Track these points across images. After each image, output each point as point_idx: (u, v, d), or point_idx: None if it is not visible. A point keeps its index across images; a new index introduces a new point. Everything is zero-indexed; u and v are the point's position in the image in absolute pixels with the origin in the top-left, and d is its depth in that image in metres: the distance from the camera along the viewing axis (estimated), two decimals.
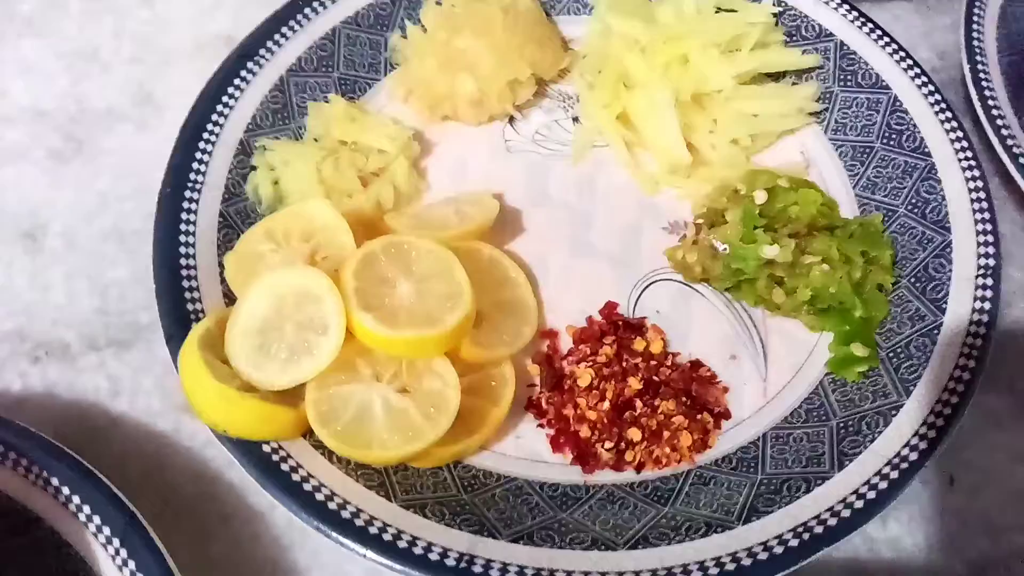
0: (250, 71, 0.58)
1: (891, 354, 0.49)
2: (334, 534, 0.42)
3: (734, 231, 0.51)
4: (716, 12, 0.60)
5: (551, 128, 0.61)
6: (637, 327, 0.52)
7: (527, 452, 0.49)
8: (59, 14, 0.70)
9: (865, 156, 0.57)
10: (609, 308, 0.53)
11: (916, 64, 0.57)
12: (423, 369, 0.47)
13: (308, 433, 0.46)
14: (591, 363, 0.50)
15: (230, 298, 0.51)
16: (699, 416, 0.49)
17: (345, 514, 0.43)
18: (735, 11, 0.60)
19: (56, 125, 0.64)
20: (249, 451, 0.44)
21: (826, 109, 0.59)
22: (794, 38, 0.61)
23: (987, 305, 0.48)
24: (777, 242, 0.51)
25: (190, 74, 0.66)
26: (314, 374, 0.45)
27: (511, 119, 0.61)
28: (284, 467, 0.44)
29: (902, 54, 0.58)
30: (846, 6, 0.60)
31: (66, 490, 0.43)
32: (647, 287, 0.54)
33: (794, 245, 0.51)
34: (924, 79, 0.56)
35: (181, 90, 0.65)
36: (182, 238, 0.51)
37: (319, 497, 0.43)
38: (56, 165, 0.62)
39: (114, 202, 0.60)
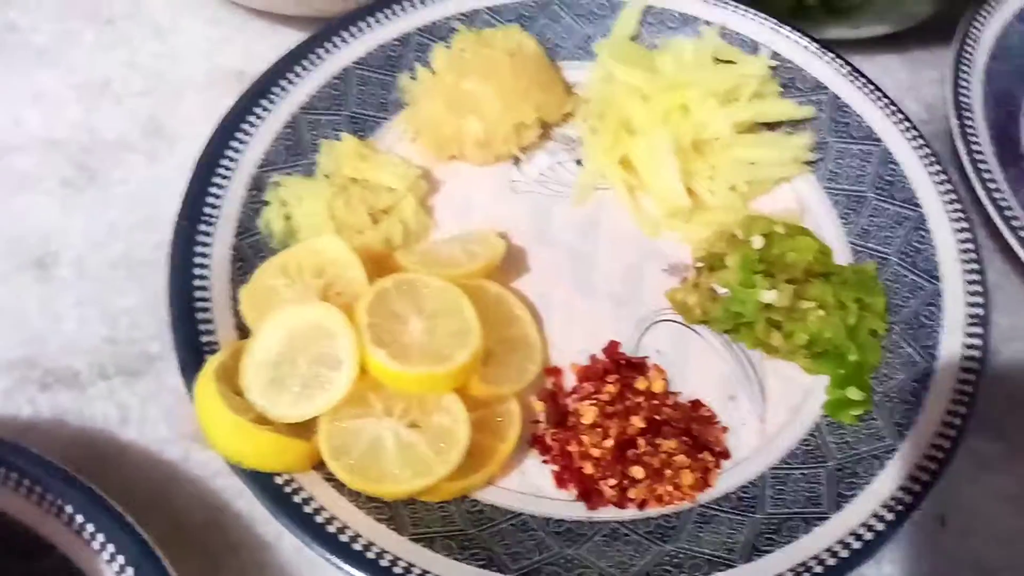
0: (265, 108, 0.60)
1: (885, 398, 0.51)
2: (347, 566, 0.43)
3: (733, 276, 0.53)
4: (714, 63, 0.63)
5: (555, 170, 0.63)
6: (639, 366, 0.54)
7: (532, 488, 0.50)
8: (72, 46, 0.71)
9: (858, 205, 0.59)
10: (612, 347, 0.54)
11: (907, 118, 0.60)
12: (433, 405, 0.48)
13: (319, 465, 0.47)
14: (595, 401, 0.51)
15: (243, 331, 0.52)
16: (700, 455, 0.50)
17: (356, 547, 0.43)
18: (733, 62, 0.63)
19: (68, 155, 0.65)
20: (262, 482, 0.45)
21: (821, 159, 0.61)
22: (789, 89, 0.63)
23: (976, 352, 0.50)
24: (775, 287, 0.53)
25: (200, 107, 0.68)
26: (327, 408, 0.46)
27: (516, 160, 0.63)
28: (296, 499, 0.45)
29: (893, 108, 0.60)
30: (839, 60, 0.62)
31: (80, 518, 0.43)
32: (648, 328, 0.56)
33: (791, 291, 0.53)
34: (914, 132, 0.59)
35: (191, 123, 0.67)
36: (196, 270, 0.52)
37: (331, 529, 0.44)
38: (68, 194, 0.63)
39: (124, 232, 0.61)
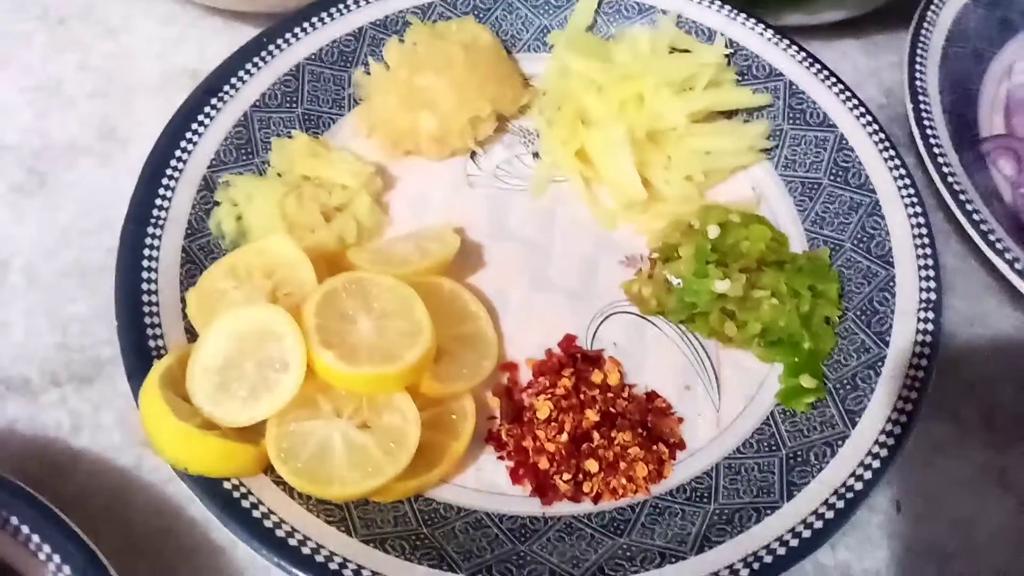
0: (214, 107, 0.59)
1: (837, 385, 0.51)
2: (295, 570, 0.42)
3: (687, 266, 0.53)
4: (670, 52, 0.62)
5: (512, 163, 0.63)
6: (595, 359, 0.53)
7: (487, 484, 0.49)
8: (22, 48, 0.70)
9: (813, 192, 0.59)
10: (567, 341, 0.54)
11: (862, 104, 0.59)
12: (383, 404, 0.47)
13: (268, 469, 0.46)
14: (550, 395, 0.51)
15: (192, 334, 0.51)
16: (655, 447, 0.50)
17: (305, 550, 0.43)
18: (688, 51, 0.62)
19: (19, 159, 0.64)
20: (210, 488, 0.45)
21: (776, 146, 0.61)
22: (745, 77, 0.63)
23: (928, 338, 0.50)
24: (728, 276, 0.52)
25: (154, 108, 0.67)
26: (274, 411, 0.45)
27: (473, 154, 0.63)
28: (245, 504, 0.45)
29: (848, 94, 0.60)
30: (794, 47, 0.62)
31: (25, 528, 0.43)
32: (604, 320, 0.55)
33: (744, 280, 0.52)
34: (869, 118, 0.59)
35: (145, 124, 0.66)
36: (144, 274, 0.52)
37: (279, 533, 0.44)
38: (18, 199, 0.62)
39: (76, 237, 0.61)
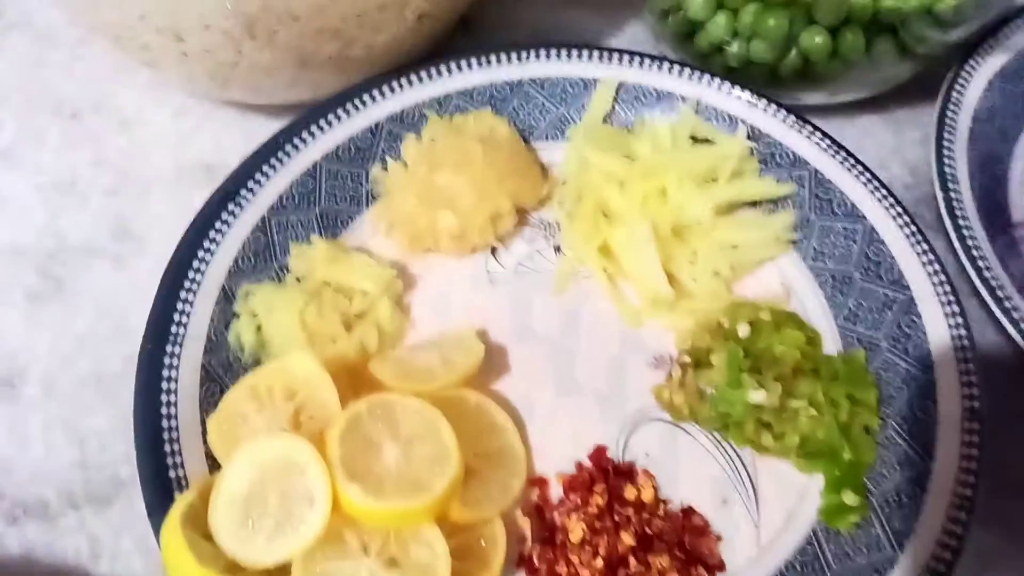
0: (231, 212, 0.58)
1: (882, 502, 0.49)
2: None
3: (720, 375, 0.51)
4: (692, 143, 0.61)
5: (533, 258, 0.61)
6: (627, 473, 0.52)
7: None
8: (38, 144, 0.70)
9: (845, 286, 0.57)
10: (598, 453, 0.53)
11: (891, 194, 0.58)
12: (411, 537, 0.46)
13: None
14: (582, 515, 0.49)
15: (212, 459, 0.50)
16: (693, 570, 0.48)
17: None
18: (709, 141, 0.61)
19: (35, 264, 0.63)
20: None
21: (804, 237, 0.60)
22: (769, 165, 0.62)
23: (975, 451, 0.48)
24: (763, 386, 0.51)
25: (169, 204, 0.66)
26: (301, 550, 0.44)
27: (493, 249, 0.62)
28: None
29: (877, 183, 0.59)
30: (819, 133, 0.61)
31: None
32: (635, 427, 0.54)
33: (780, 390, 0.51)
34: (899, 209, 0.57)
35: (160, 222, 0.65)
36: (163, 397, 0.50)
37: None
38: (34, 307, 0.61)
39: (92, 345, 0.60)
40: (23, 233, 0.65)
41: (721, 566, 0.49)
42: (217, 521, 0.44)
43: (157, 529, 0.46)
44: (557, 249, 0.62)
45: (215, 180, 0.67)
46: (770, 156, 0.62)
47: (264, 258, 0.58)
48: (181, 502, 0.45)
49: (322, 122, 0.62)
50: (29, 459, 0.55)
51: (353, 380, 0.53)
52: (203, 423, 0.51)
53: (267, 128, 0.69)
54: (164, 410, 0.50)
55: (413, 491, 0.45)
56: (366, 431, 0.47)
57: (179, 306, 0.54)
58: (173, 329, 0.53)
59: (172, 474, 0.48)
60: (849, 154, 0.60)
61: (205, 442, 0.50)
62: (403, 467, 0.46)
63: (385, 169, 0.63)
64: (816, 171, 0.60)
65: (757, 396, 0.50)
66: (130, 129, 0.71)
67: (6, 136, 0.70)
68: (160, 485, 0.47)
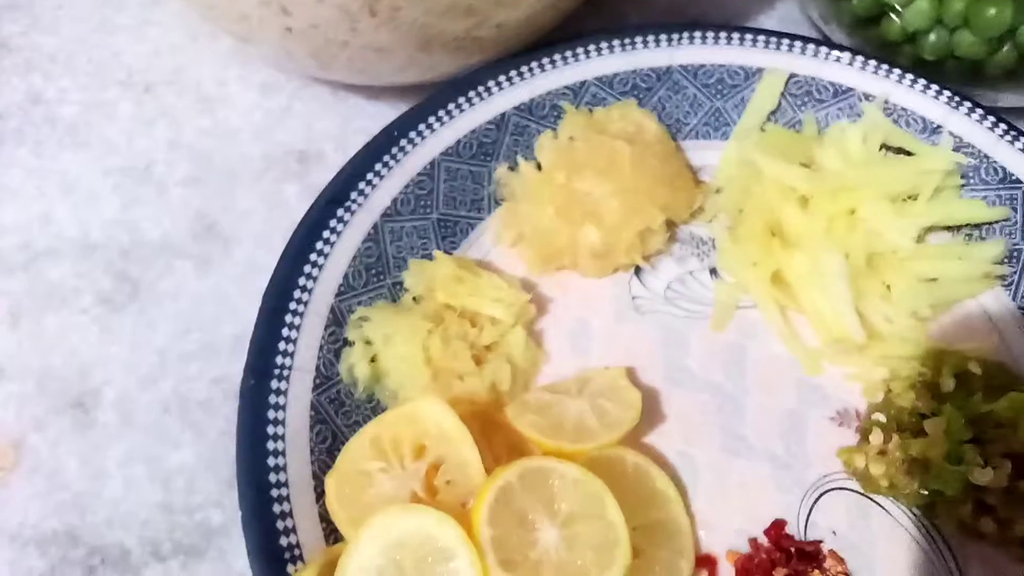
0: (341, 219, 0.49)
1: None
2: None
3: (937, 447, 0.43)
4: (885, 154, 0.51)
5: (685, 282, 0.52)
6: (813, 556, 0.43)
7: None
8: (106, 120, 0.61)
9: None
10: (776, 529, 0.44)
11: None
12: None
13: None
14: None
15: (326, 520, 0.42)
16: None
17: None
18: (904, 151, 0.52)
19: (106, 262, 0.56)
20: None
21: (1015, 272, 0.50)
22: (971, 182, 0.52)
23: None
24: (990, 462, 0.42)
25: (257, 199, 0.58)
26: None
27: (638, 270, 0.53)
28: None
29: None
30: None
31: None
32: (818, 498, 0.45)
33: (1009, 468, 0.42)
34: None
35: (247, 218, 0.57)
36: (270, 444, 0.43)
37: None
38: (107, 314, 0.54)
39: (174, 363, 0.52)
40: (94, 225, 0.57)
41: None
42: None
43: None
44: (713, 272, 0.53)
45: (308, 171, 0.59)
46: (973, 171, 0.52)
47: (376, 273, 0.50)
48: None
49: (441, 112, 0.53)
50: (106, 498, 0.48)
51: (484, 429, 0.45)
52: (314, 475, 0.43)
53: (365, 111, 0.61)
54: (271, 460, 0.42)
55: None
56: (519, 506, 0.39)
57: (284, 332, 0.46)
58: (279, 360, 0.45)
59: (283, 541, 0.40)
60: None
61: (317, 500, 0.42)
62: (564, 554, 0.38)
63: (512, 169, 0.54)
64: None
65: (983, 476, 0.41)
66: (211, 108, 0.62)
67: (70, 109, 0.62)
68: (270, 553, 0.40)
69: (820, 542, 0.44)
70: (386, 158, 0.51)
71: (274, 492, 0.42)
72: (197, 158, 0.60)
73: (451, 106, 0.53)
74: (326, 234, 0.49)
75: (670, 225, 0.53)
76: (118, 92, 0.63)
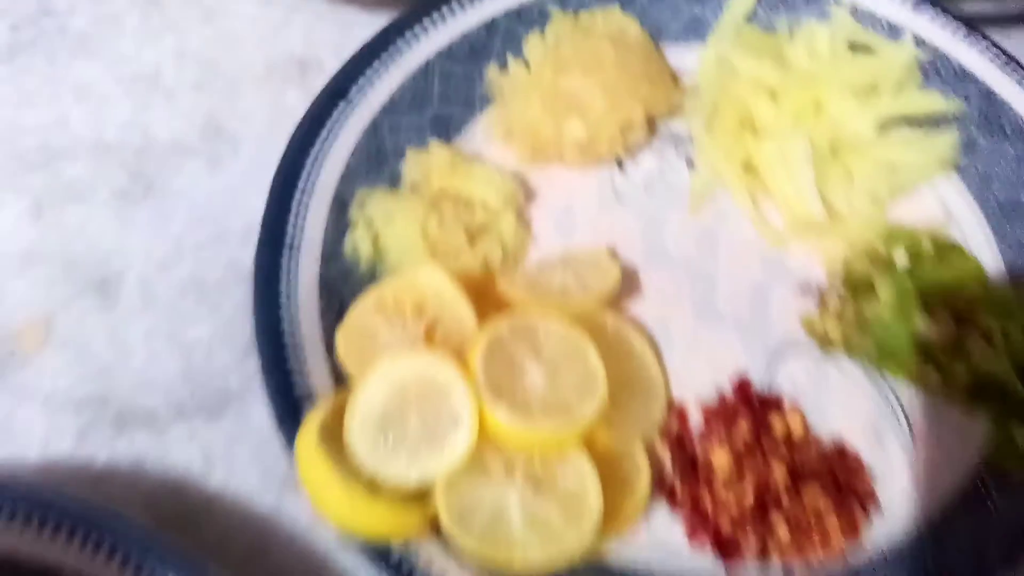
0: (343, 112, 0.53)
1: None
2: None
3: (887, 306, 0.47)
4: (851, 52, 0.55)
5: (663, 173, 0.57)
6: (774, 405, 0.48)
7: (661, 543, 0.45)
8: (115, 31, 0.65)
9: (1014, 215, 0.52)
10: (742, 385, 0.49)
11: None
12: (556, 463, 0.43)
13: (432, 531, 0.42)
14: (727, 448, 0.46)
15: (336, 373, 0.47)
16: (848, 508, 0.45)
17: None
18: (868, 49, 0.55)
19: (121, 160, 0.59)
20: (379, 554, 0.41)
21: (968, 161, 0.54)
22: (930, 79, 0.56)
23: None
24: (935, 319, 0.47)
25: (261, 102, 0.61)
26: (447, 470, 0.41)
27: (619, 162, 0.57)
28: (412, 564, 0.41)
29: None
30: (991, 46, 0.55)
31: None
32: (780, 358, 0.50)
33: (953, 323, 0.47)
34: None
35: (252, 121, 0.61)
36: (282, 312, 0.47)
37: None
38: (125, 207, 0.57)
39: (190, 250, 0.56)
40: (108, 127, 0.60)
41: (877, 507, 0.46)
42: (354, 440, 0.41)
43: (288, 440, 0.43)
44: (689, 163, 0.57)
45: (308, 77, 0.62)
46: (932, 69, 0.56)
47: (376, 162, 0.53)
48: (315, 418, 0.42)
49: (435, 15, 0.56)
50: (132, 368, 0.52)
51: (477, 299, 0.49)
52: (324, 334, 0.47)
53: (362, 22, 0.64)
54: (285, 326, 0.46)
55: (561, 413, 0.42)
56: (509, 352, 0.43)
57: (293, 209, 0.50)
58: (287, 239, 0.49)
59: (298, 390, 0.45)
60: None
61: (330, 355, 0.47)
62: (549, 390, 0.43)
63: (503, 70, 0.57)
64: (987, 89, 0.54)
65: (928, 330, 0.46)
66: (214, 19, 0.65)
67: (81, 21, 0.65)
68: (287, 400, 0.44)
69: (780, 394, 0.49)
70: (383, 55, 0.55)
71: (288, 350, 0.46)
72: (203, 66, 0.63)
73: (444, 9, 0.57)
74: (329, 123, 0.52)
75: (651, 122, 0.57)
76: (126, 5, 0.66)
